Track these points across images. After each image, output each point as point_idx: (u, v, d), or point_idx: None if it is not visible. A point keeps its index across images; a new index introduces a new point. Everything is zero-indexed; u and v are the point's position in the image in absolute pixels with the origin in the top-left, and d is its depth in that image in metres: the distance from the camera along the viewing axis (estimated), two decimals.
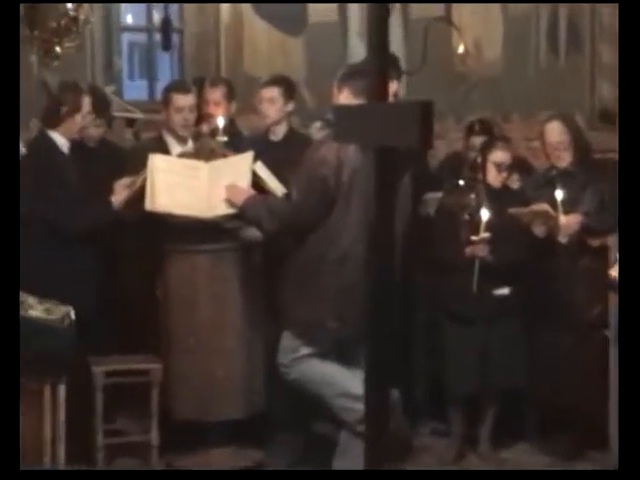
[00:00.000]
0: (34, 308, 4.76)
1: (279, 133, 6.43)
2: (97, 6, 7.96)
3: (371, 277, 2.58)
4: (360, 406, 5.15)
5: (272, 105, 6.35)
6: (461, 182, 5.97)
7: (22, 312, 4.69)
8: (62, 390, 4.73)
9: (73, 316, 4.85)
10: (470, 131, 6.69)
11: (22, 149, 6.31)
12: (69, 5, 4.51)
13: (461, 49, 8.05)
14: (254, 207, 5.37)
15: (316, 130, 7.00)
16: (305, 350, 5.31)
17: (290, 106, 6.43)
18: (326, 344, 5.32)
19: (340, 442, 5.38)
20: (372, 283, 2.57)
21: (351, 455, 5.18)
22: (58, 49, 4.69)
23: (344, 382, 5.24)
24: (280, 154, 6.02)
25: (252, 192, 5.48)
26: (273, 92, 6.36)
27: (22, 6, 4.50)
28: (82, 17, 4.65)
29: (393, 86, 5.74)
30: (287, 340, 5.35)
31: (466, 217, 5.80)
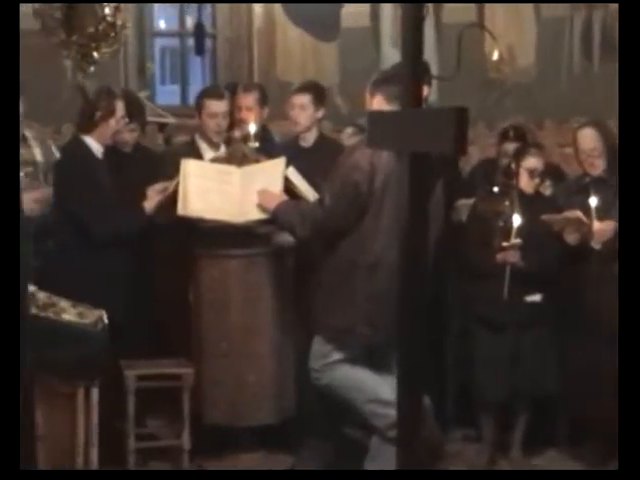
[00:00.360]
0: (67, 312, 4.79)
1: (309, 139, 6.43)
2: (130, 11, 8.02)
3: (404, 282, 2.58)
4: (390, 412, 5.17)
5: (303, 112, 6.35)
6: (495, 189, 5.94)
7: (55, 316, 4.72)
8: (95, 393, 4.75)
9: (106, 320, 4.87)
10: (503, 137, 6.64)
11: (56, 154, 6.35)
12: (107, 10, 4.53)
13: (496, 56, 8.03)
14: (286, 213, 5.38)
15: (347, 136, 7.00)
16: (336, 355, 5.31)
17: (320, 112, 6.43)
18: (357, 350, 5.32)
19: (371, 448, 5.38)
20: (404, 288, 2.58)
21: (382, 461, 5.18)
22: (95, 54, 4.71)
23: (375, 388, 5.24)
24: (310, 160, 6.02)
25: (284, 198, 5.49)
26: (304, 99, 6.36)
27: (60, 11, 4.52)
28: (119, 22, 4.67)
29: (424, 90, 5.73)
30: (318, 345, 5.36)
31: (500, 224, 5.77)
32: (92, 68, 4.63)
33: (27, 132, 6.37)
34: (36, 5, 4.56)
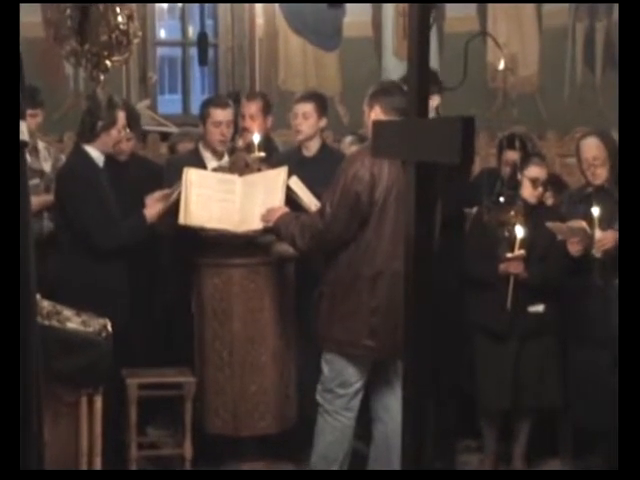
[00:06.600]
0: (71, 320, 4.78)
1: (312, 148, 6.41)
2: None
3: (409, 292, 2.58)
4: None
5: (305, 120, 6.34)
6: (501, 199, 5.91)
7: (59, 324, 4.72)
8: (98, 402, 4.75)
9: (110, 328, 4.87)
10: (503, 146, 6.59)
11: (62, 160, 6.36)
12: (120, 19, 4.54)
13: (502, 65, 8.03)
14: (286, 224, 5.33)
15: (347, 145, 7.00)
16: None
17: (323, 122, 6.40)
18: (366, 364, 5.29)
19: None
20: (410, 298, 2.58)
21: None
22: (108, 63, 4.71)
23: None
24: (313, 169, 6.01)
25: (285, 209, 5.47)
26: (307, 107, 6.34)
27: (72, 20, 4.52)
28: (132, 31, 4.67)
29: (435, 100, 5.74)
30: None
31: (505, 234, 5.76)
32: (102, 77, 4.63)
33: (40, 144, 6.40)
34: (48, 14, 4.59)
